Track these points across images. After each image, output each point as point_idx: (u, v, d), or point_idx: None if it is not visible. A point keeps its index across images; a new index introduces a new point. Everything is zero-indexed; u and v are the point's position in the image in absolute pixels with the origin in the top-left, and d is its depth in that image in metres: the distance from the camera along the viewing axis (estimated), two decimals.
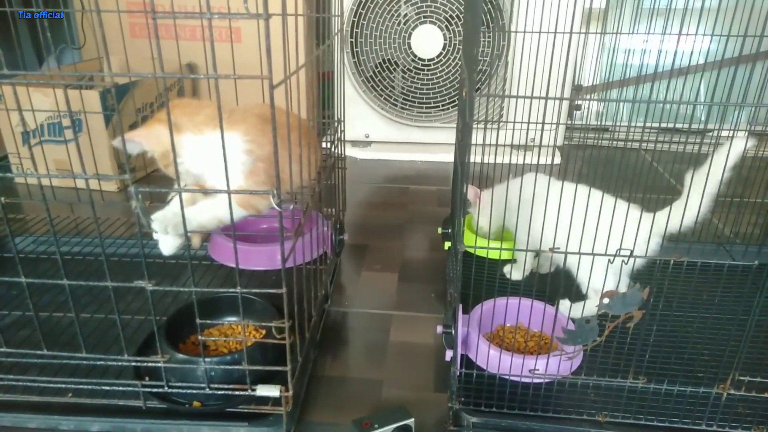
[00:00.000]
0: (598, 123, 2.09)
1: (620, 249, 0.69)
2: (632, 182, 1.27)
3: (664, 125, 1.89)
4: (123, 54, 1.60)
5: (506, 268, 1.18)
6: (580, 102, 2.19)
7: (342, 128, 1.17)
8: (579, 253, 0.71)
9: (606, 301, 0.72)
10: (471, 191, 1.21)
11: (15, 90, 0.66)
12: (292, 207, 0.67)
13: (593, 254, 0.71)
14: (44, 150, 1.50)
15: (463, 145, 0.79)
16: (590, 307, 0.94)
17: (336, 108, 1.14)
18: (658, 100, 0.67)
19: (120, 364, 0.81)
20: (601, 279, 0.84)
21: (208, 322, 0.76)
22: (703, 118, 2.08)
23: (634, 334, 0.75)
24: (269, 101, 0.59)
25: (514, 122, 1.25)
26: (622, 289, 0.89)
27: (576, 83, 2.05)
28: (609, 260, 0.70)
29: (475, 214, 1.23)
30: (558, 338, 0.75)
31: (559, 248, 0.71)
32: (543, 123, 1.31)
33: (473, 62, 0.74)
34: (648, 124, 2.02)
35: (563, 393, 0.86)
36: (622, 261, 0.71)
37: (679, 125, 1.86)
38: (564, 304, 1.00)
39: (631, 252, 0.70)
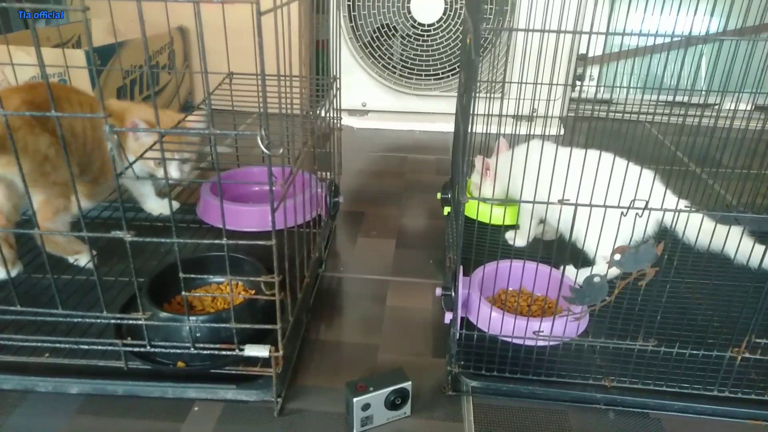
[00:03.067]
0: (600, 85, 2.04)
1: (634, 200, 0.65)
2: (638, 154, 1.22)
3: (663, 98, 1.84)
4: (109, 15, 1.53)
5: (509, 234, 1.13)
6: (582, 71, 2.13)
7: (338, 86, 1.11)
8: (590, 205, 0.66)
9: (617, 257, 0.67)
10: (479, 162, 1.16)
11: None
12: (281, 151, 0.62)
13: (605, 206, 0.66)
14: None
15: (468, 90, 0.74)
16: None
17: (332, 65, 1.08)
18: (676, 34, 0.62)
19: (100, 322, 0.77)
20: (610, 244, 0.79)
21: (193, 276, 0.71)
22: (705, 89, 2.02)
23: (645, 295, 0.71)
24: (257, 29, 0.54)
25: (519, 83, 1.20)
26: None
27: (581, 52, 1.99)
28: (622, 213, 0.65)
29: (479, 181, 1.18)
30: (565, 297, 0.70)
31: (568, 200, 0.67)
32: (550, 84, 1.26)
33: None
34: (651, 97, 1.96)
35: (568, 357, 0.82)
36: (636, 215, 0.67)
37: (683, 98, 1.80)
38: (570, 270, 0.96)
39: (646, 204, 0.65)
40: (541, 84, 1.20)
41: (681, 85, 1.91)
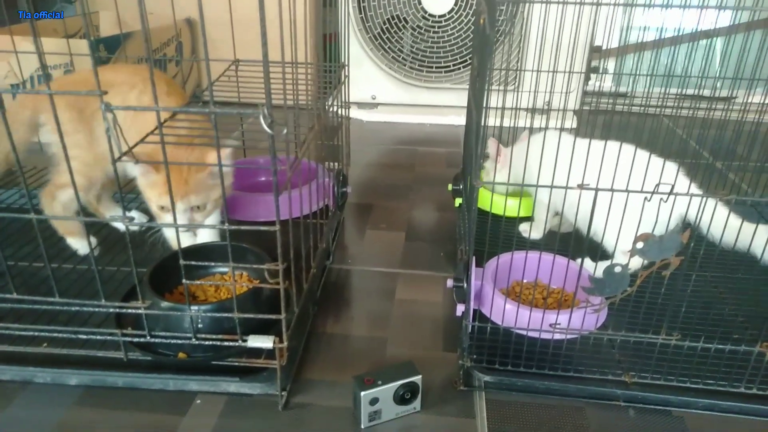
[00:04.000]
0: (617, 73, 1.99)
1: (659, 184, 0.61)
2: (657, 147, 1.18)
3: (683, 91, 1.78)
4: (114, 9, 1.51)
5: (523, 227, 1.10)
6: (597, 64, 2.08)
7: (346, 73, 1.08)
8: (611, 190, 0.63)
9: (640, 245, 0.63)
10: (492, 145, 1.12)
11: None
12: (285, 131, 0.59)
13: (627, 191, 0.63)
14: None
15: (482, 72, 0.71)
16: None
17: (342, 48, 1.05)
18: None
19: (99, 311, 0.74)
20: (631, 237, 0.76)
21: (196, 265, 0.69)
22: (723, 84, 1.97)
23: (668, 287, 0.67)
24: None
25: (533, 71, 1.16)
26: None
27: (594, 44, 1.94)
28: (645, 198, 0.61)
29: (494, 170, 1.15)
30: (584, 288, 0.67)
31: (588, 184, 0.63)
32: (565, 72, 1.22)
33: None
34: (669, 90, 1.91)
35: (586, 351, 0.78)
36: (660, 200, 0.63)
37: (702, 91, 1.75)
38: (587, 263, 0.92)
39: (672, 188, 0.61)
40: (555, 72, 1.17)
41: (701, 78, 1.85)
